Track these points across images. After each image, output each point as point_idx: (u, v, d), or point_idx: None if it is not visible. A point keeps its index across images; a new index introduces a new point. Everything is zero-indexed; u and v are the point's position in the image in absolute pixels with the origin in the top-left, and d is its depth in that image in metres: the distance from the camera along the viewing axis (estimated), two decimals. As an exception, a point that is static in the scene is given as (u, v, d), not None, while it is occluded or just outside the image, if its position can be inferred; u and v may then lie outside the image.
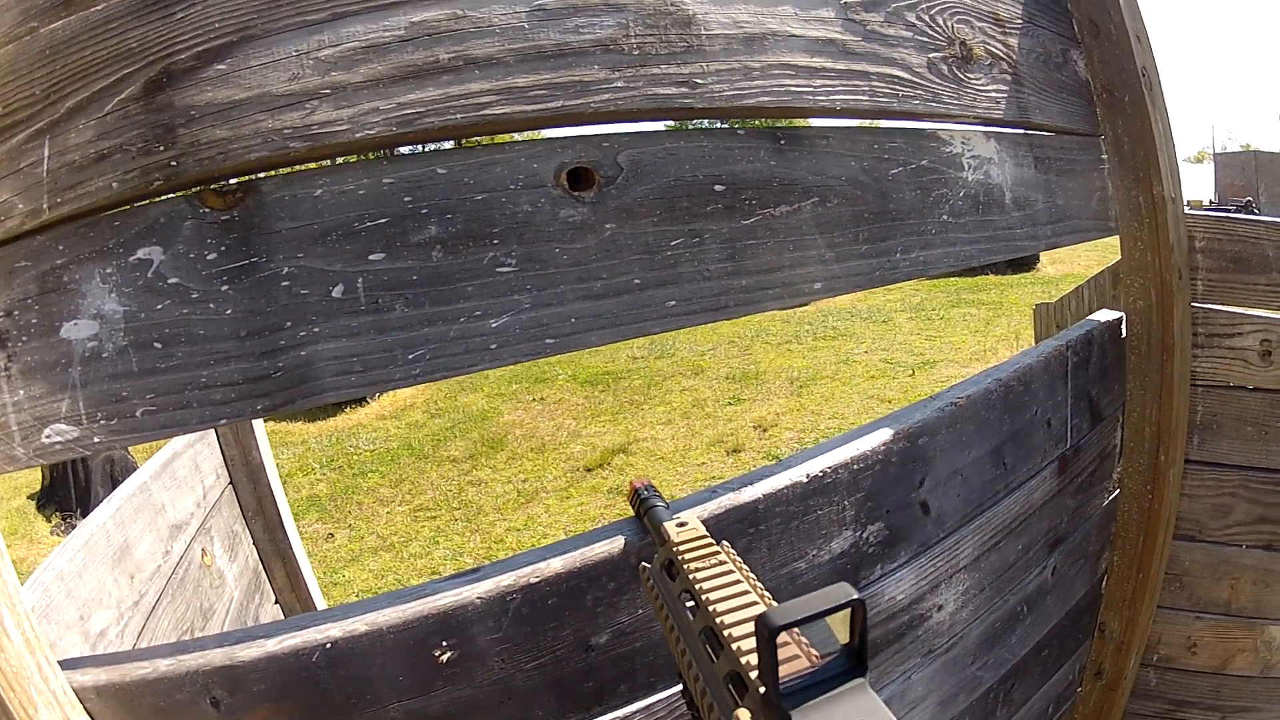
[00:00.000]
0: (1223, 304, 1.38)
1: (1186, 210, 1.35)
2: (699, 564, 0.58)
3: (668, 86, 0.77)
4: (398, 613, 0.66)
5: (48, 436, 0.56)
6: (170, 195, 0.60)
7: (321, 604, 1.95)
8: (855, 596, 0.38)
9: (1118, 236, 1.30)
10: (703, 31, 0.79)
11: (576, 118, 0.74)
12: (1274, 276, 1.38)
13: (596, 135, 0.77)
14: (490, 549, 4.12)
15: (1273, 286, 1.38)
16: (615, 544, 0.76)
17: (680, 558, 0.59)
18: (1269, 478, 1.44)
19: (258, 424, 1.85)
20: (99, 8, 0.58)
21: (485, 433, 6.17)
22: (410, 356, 0.68)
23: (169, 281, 0.59)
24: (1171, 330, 1.31)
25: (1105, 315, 1.31)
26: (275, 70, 0.62)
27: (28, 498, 6.12)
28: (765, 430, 5.41)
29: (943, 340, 7.08)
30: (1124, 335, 1.33)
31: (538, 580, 0.71)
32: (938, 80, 0.97)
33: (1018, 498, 1.14)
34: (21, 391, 0.55)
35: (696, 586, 0.54)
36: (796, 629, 0.39)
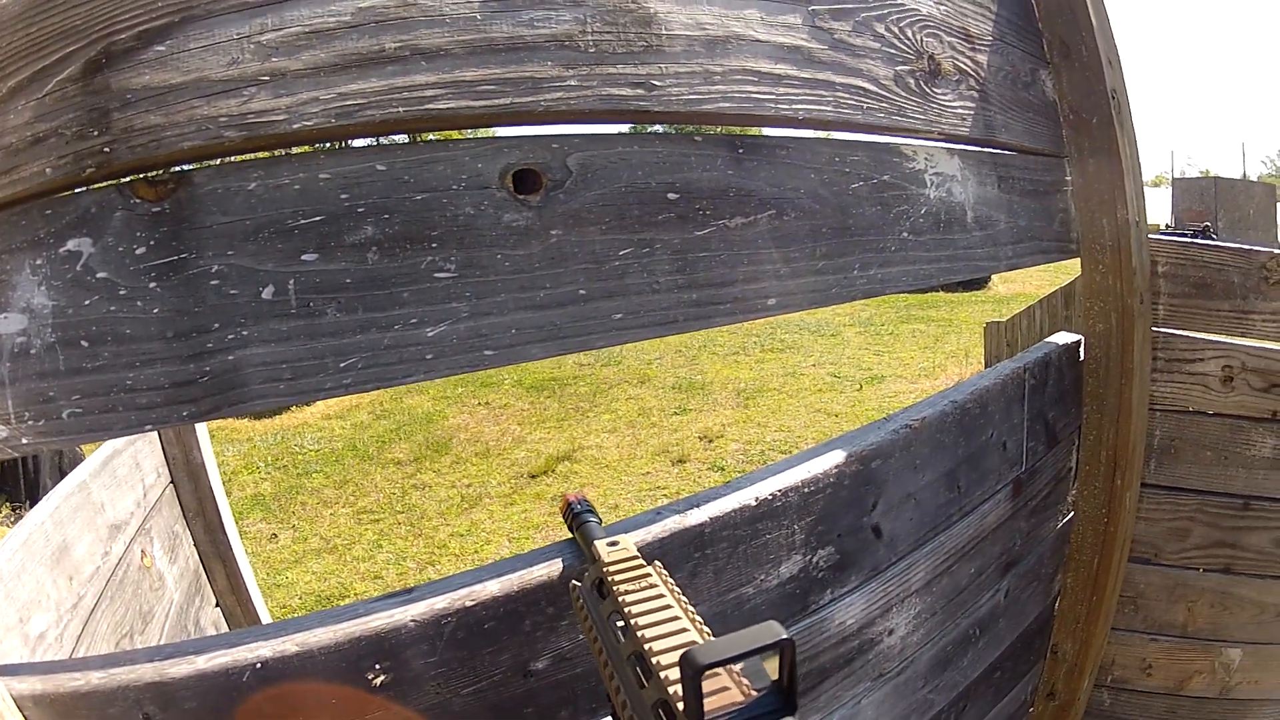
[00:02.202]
0: (1184, 329, 1.37)
1: (1150, 235, 1.34)
2: (628, 585, 0.55)
3: (624, 87, 0.73)
4: (329, 633, 0.62)
5: (-23, 437, 0.52)
6: (102, 184, 0.56)
7: (262, 607, 1.88)
8: (783, 637, 0.37)
9: (1078, 259, 1.29)
10: (663, 31, 0.75)
11: (526, 116, 0.70)
12: (1238, 303, 1.38)
13: (546, 136, 0.72)
14: (433, 554, 4.05)
15: (1236, 313, 1.38)
16: (554, 567, 0.72)
17: (610, 578, 0.57)
18: (1227, 502, 1.44)
19: (201, 423, 1.77)
20: None
21: (430, 436, 6.10)
22: (342, 365, 0.64)
23: (98, 276, 0.55)
24: (1131, 354, 1.30)
25: (1063, 338, 1.30)
26: (214, 54, 0.58)
27: None
28: (711, 441, 5.40)
29: (891, 356, 7.13)
30: (1082, 358, 1.31)
31: (473, 604, 0.68)
32: (903, 94, 0.94)
33: (971, 521, 1.12)
34: (-52, 388, 0.52)
35: (626, 609, 0.52)
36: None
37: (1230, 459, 1.40)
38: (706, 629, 0.52)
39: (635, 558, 0.59)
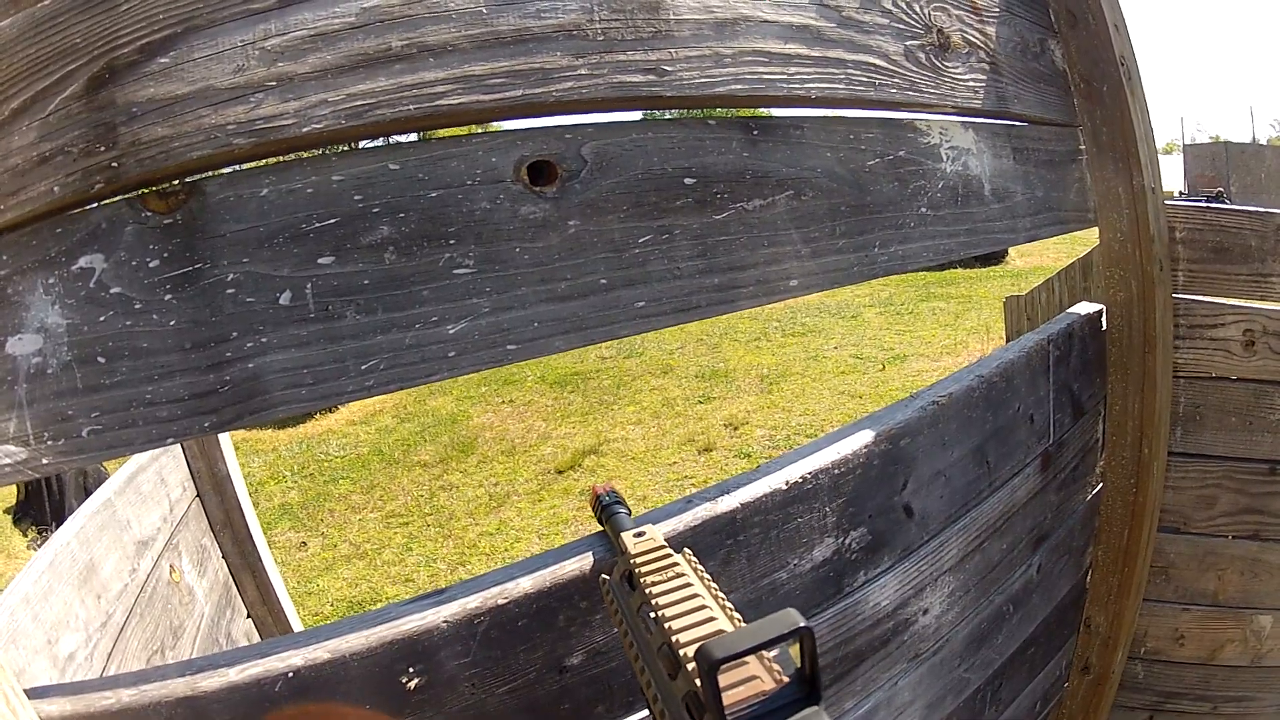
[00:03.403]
0: (1204, 295, 1.35)
1: (1167, 201, 1.32)
2: (656, 577, 0.54)
3: (635, 74, 0.71)
4: (361, 638, 0.61)
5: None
6: (111, 199, 0.55)
7: (294, 616, 1.88)
8: (801, 625, 0.36)
9: (1095, 228, 1.26)
10: (672, 16, 0.74)
11: (538, 108, 0.68)
12: (1256, 266, 1.35)
13: (559, 126, 0.71)
14: (464, 554, 4.04)
15: (1255, 276, 1.35)
16: (585, 560, 0.71)
17: (638, 570, 0.56)
18: (1254, 468, 1.41)
19: (222, 434, 1.77)
20: (45, 3, 0.53)
21: (455, 436, 6.06)
22: (363, 367, 0.63)
23: (111, 291, 0.54)
24: (1153, 322, 1.28)
25: (1085, 308, 1.27)
26: (219, 62, 0.57)
27: (3, 512, 5.97)
28: (736, 428, 5.35)
29: (913, 335, 7.03)
30: (1104, 328, 1.29)
31: (506, 601, 0.66)
32: (915, 69, 0.92)
33: (1002, 496, 1.10)
34: (-35, 411, 0.51)
35: (654, 601, 0.51)
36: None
37: (1255, 424, 1.38)
38: (738, 615, 0.50)
39: (662, 547, 0.58)
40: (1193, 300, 1.34)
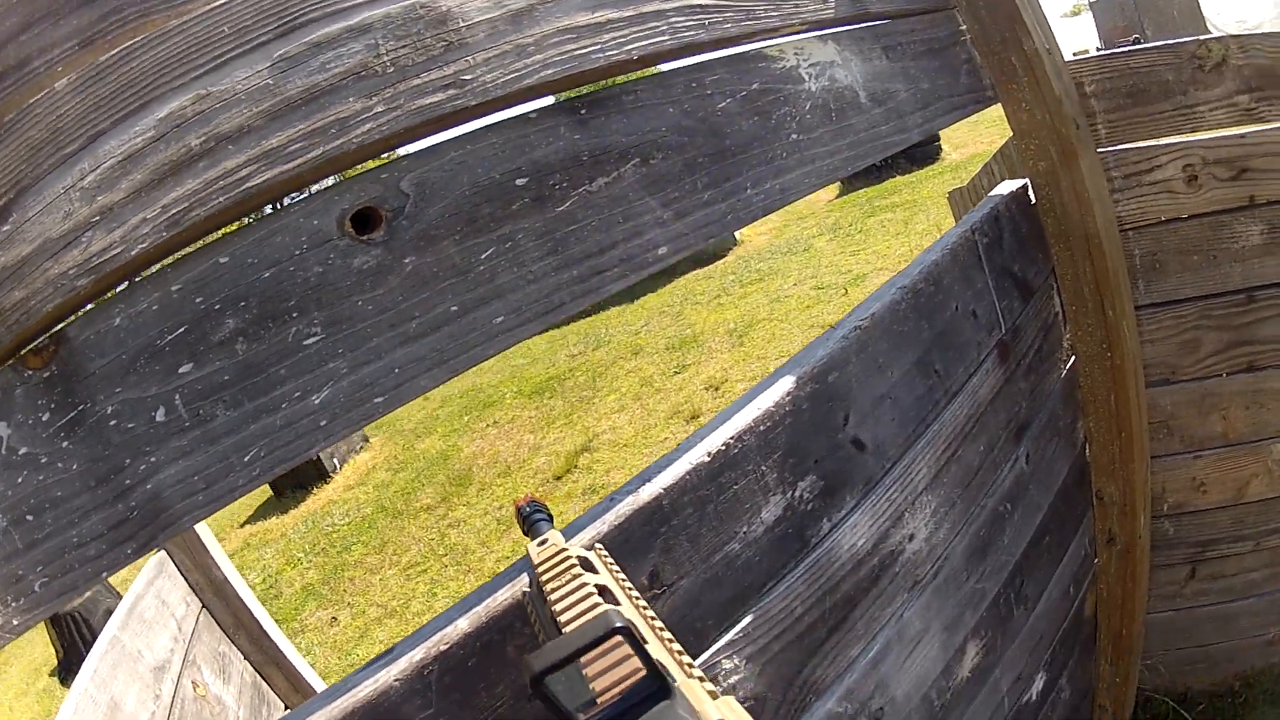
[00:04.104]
0: (1131, 143, 1.28)
1: (1068, 57, 1.25)
2: (555, 583, 0.52)
3: (434, 94, 0.68)
4: (325, 715, 0.62)
5: (-26, 631, 0.55)
6: None
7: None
8: (615, 625, 0.34)
9: (999, 104, 1.21)
10: (461, 24, 0.70)
11: (342, 160, 0.66)
12: (1179, 99, 1.28)
13: (373, 169, 0.68)
14: None
15: (1180, 110, 1.29)
16: (516, 586, 0.69)
17: (541, 579, 0.54)
18: (1230, 300, 1.35)
19: (210, 540, 1.77)
20: None
21: (450, 473, 6.05)
22: (246, 459, 0.63)
23: (20, 453, 0.57)
24: (1083, 182, 1.22)
25: (1006, 187, 1.22)
26: (50, 214, 0.58)
27: (49, 675, 6.05)
28: (718, 388, 5.27)
29: (868, 252, 6.88)
30: (1033, 201, 1.23)
31: (448, 646, 0.66)
32: (741, -4, 0.87)
33: (962, 401, 1.06)
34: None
35: (553, 608, 0.49)
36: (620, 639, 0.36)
37: (1219, 256, 1.32)
38: (642, 603, 0.49)
39: (561, 551, 0.56)
40: (1121, 150, 1.28)
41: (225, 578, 1.72)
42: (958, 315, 1.06)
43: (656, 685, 0.34)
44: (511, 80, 0.71)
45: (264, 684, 1.79)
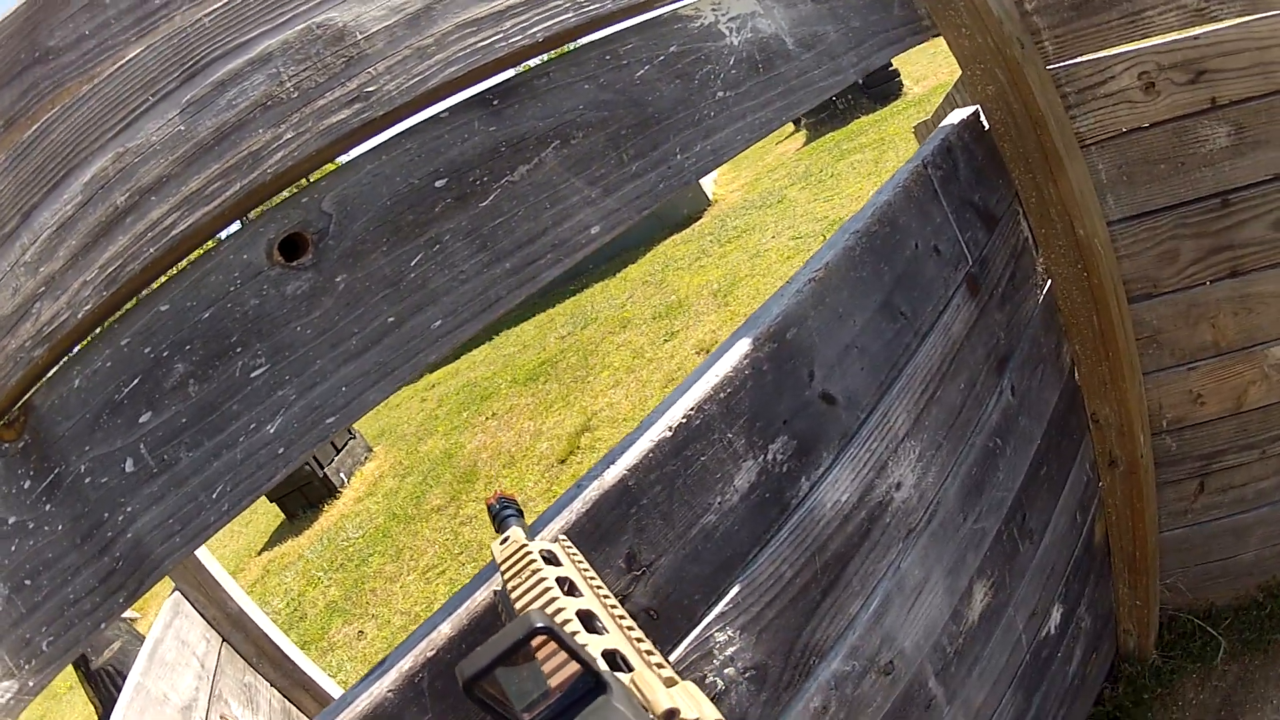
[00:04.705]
0: (1082, 56, 1.28)
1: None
2: (515, 580, 0.54)
3: (339, 112, 0.69)
4: None
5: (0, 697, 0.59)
6: None
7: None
8: (535, 626, 0.35)
9: (939, 35, 1.20)
10: (359, 36, 0.71)
11: (260, 192, 0.68)
12: (1125, 7, 1.28)
13: (294, 195, 0.70)
14: None
15: (1127, 18, 1.28)
16: (494, 584, 0.71)
17: (503, 577, 0.56)
18: (1205, 206, 1.35)
19: (221, 575, 1.80)
20: None
21: (456, 470, 6.13)
22: (214, 495, 0.66)
23: (10, 523, 0.61)
24: (1034, 103, 1.22)
25: (956, 116, 1.22)
26: (1, 292, 0.62)
27: None
28: (709, 351, 5.27)
29: (842, 196, 6.91)
30: (987, 127, 1.23)
31: (435, 652, 0.69)
32: (643, -40, 0.87)
33: (935, 340, 1.07)
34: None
35: (515, 607, 0.51)
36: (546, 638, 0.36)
37: (1188, 163, 1.32)
38: (605, 592, 0.51)
39: (522, 547, 0.57)
40: (1071, 64, 1.27)
41: (241, 609, 1.76)
42: (919, 253, 1.06)
43: (594, 681, 0.35)
44: (415, 85, 0.72)
45: (294, 709, 1.83)
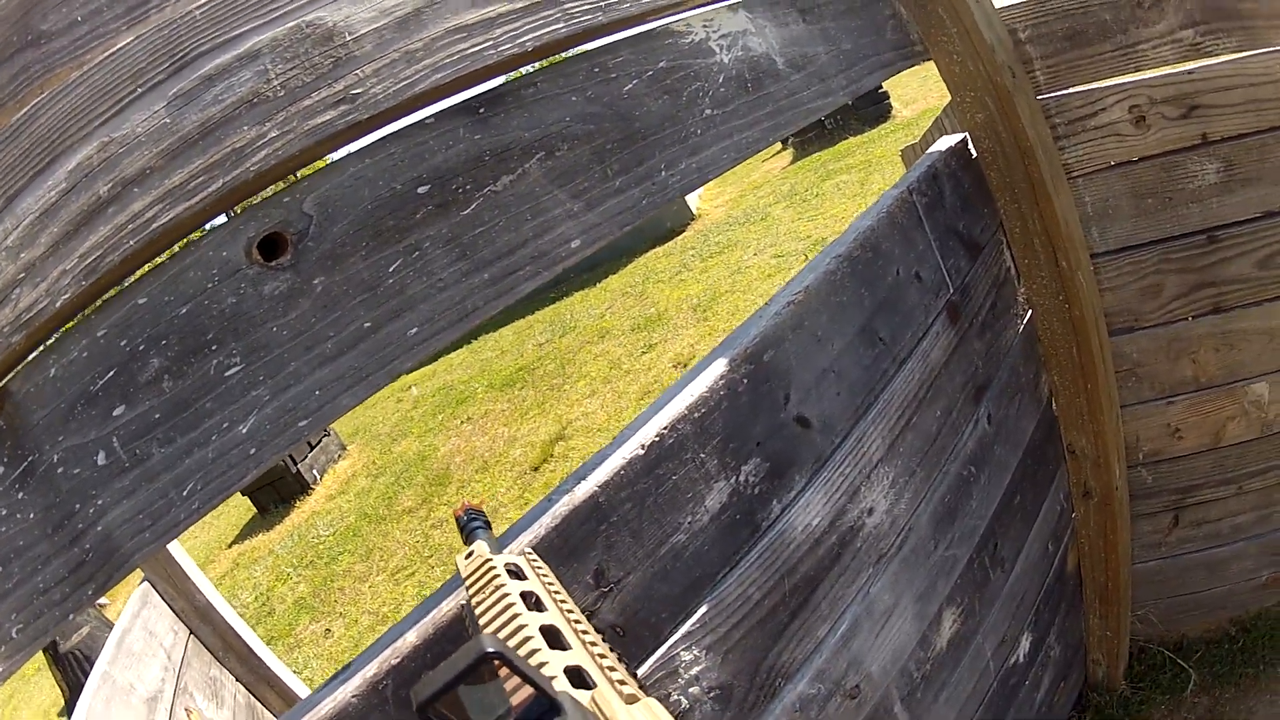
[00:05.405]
0: (1073, 87, 1.32)
1: (998, 3, 1.29)
2: (479, 596, 0.55)
3: (325, 113, 0.71)
4: None
5: (-39, 681, 0.60)
6: None
7: None
8: (487, 650, 0.36)
9: (930, 60, 1.24)
10: (348, 38, 0.73)
11: (242, 190, 0.69)
12: (1119, 39, 1.32)
13: (276, 194, 0.72)
14: None
15: (1121, 50, 1.33)
16: (461, 597, 0.73)
17: (468, 591, 0.57)
18: (1190, 242, 1.40)
19: (191, 567, 1.82)
20: None
21: (429, 473, 6.25)
22: (184, 493, 0.68)
23: None
24: (1024, 132, 1.26)
25: (944, 143, 1.26)
26: None
27: (58, 716, 6.16)
28: (686, 365, 5.44)
29: (826, 216, 7.12)
30: (974, 155, 1.27)
31: (400, 660, 0.71)
32: (638, -26, 0.89)
33: (912, 367, 1.10)
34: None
35: (480, 623, 0.52)
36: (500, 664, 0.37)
37: (1175, 198, 1.36)
38: (572, 610, 0.52)
39: (486, 561, 0.59)
40: (1062, 95, 1.32)
41: (209, 602, 1.78)
42: (900, 280, 1.10)
43: (548, 703, 0.37)
44: (402, 89, 0.74)
45: (258, 704, 1.84)
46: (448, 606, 0.73)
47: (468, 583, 0.58)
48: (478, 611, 0.53)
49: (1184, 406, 1.51)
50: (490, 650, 0.36)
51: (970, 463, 1.21)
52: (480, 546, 0.63)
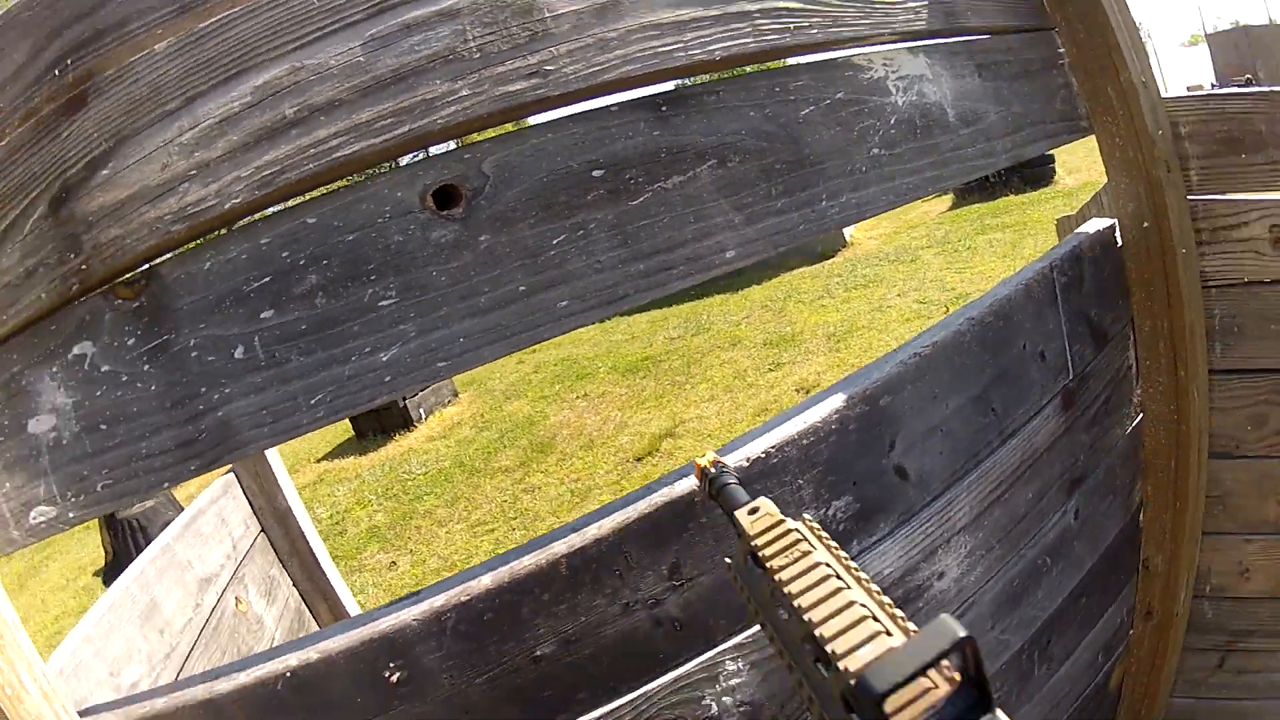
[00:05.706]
0: (1222, 193, 1.30)
1: (1166, 94, 1.27)
2: (780, 560, 0.53)
3: (517, 82, 0.75)
4: (345, 639, 0.71)
5: (34, 518, 0.66)
6: (89, 295, 0.68)
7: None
8: (961, 635, 0.34)
9: (1093, 136, 1.23)
10: (547, 15, 0.77)
11: (427, 138, 0.74)
12: (1272, 153, 1.29)
13: (458, 149, 0.76)
14: None
15: (1271, 164, 1.29)
16: (544, 554, 0.76)
17: (761, 553, 0.55)
18: (1305, 377, 1.36)
19: (280, 471, 1.91)
20: (3, 143, 0.66)
21: (534, 438, 6.36)
22: (313, 401, 0.72)
23: (102, 370, 0.68)
24: (1169, 229, 1.24)
25: (1093, 226, 1.24)
26: (148, 164, 0.68)
27: (93, 574, 6.45)
28: (808, 391, 5.43)
29: (973, 271, 7.05)
30: (1119, 244, 1.26)
31: (469, 598, 0.74)
32: (836, 2, 0.91)
33: (1016, 444, 1.09)
34: (7, 484, 0.66)
35: (785, 590, 0.50)
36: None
37: (1299, 328, 1.32)
38: (876, 590, 0.49)
39: (781, 523, 0.57)
40: (1210, 200, 1.29)
41: (289, 508, 1.86)
42: (1024, 354, 1.09)
43: (977, 697, 0.35)
44: (593, 74, 0.77)
45: (307, 612, 1.91)
46: (529, 561, 0.76)
47: (760, 545, 0.56)
48: (784, 579, 0.51)
49: (1259, 547, 1.47)
50: (964, 636, 0.34)
51: (1048, 553, 1.20)
52: (767, 504, 0.60)
